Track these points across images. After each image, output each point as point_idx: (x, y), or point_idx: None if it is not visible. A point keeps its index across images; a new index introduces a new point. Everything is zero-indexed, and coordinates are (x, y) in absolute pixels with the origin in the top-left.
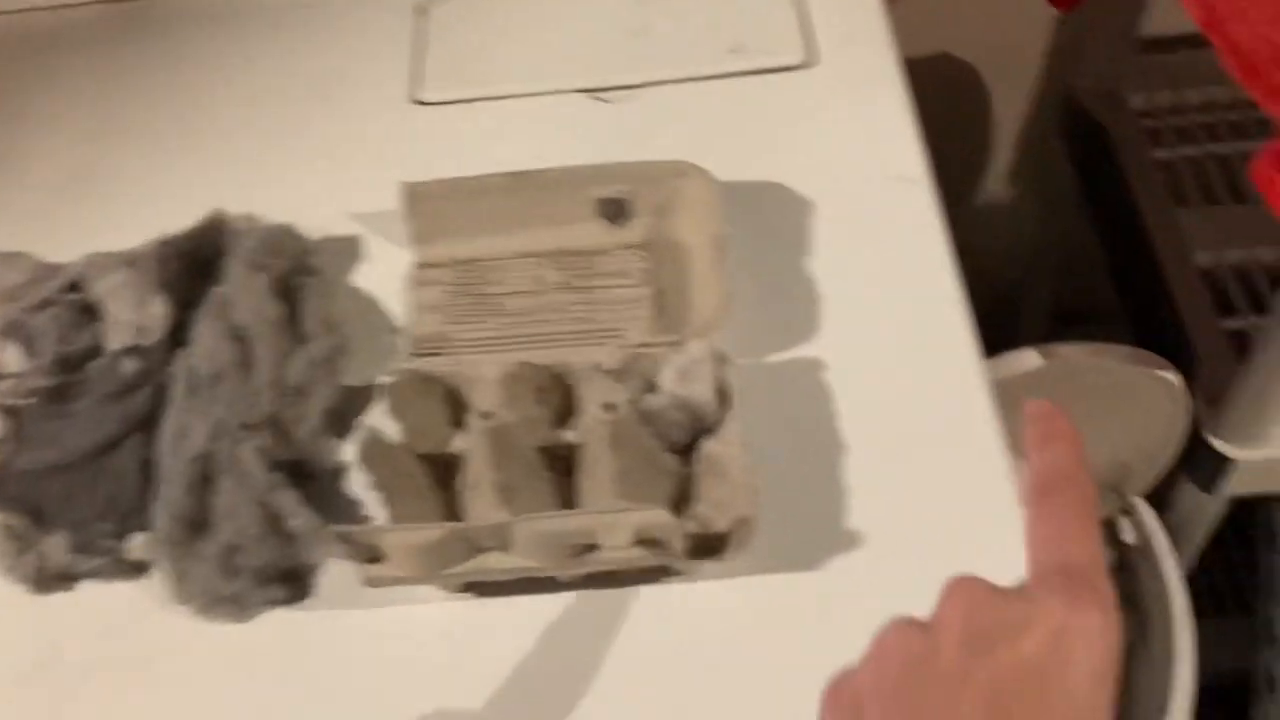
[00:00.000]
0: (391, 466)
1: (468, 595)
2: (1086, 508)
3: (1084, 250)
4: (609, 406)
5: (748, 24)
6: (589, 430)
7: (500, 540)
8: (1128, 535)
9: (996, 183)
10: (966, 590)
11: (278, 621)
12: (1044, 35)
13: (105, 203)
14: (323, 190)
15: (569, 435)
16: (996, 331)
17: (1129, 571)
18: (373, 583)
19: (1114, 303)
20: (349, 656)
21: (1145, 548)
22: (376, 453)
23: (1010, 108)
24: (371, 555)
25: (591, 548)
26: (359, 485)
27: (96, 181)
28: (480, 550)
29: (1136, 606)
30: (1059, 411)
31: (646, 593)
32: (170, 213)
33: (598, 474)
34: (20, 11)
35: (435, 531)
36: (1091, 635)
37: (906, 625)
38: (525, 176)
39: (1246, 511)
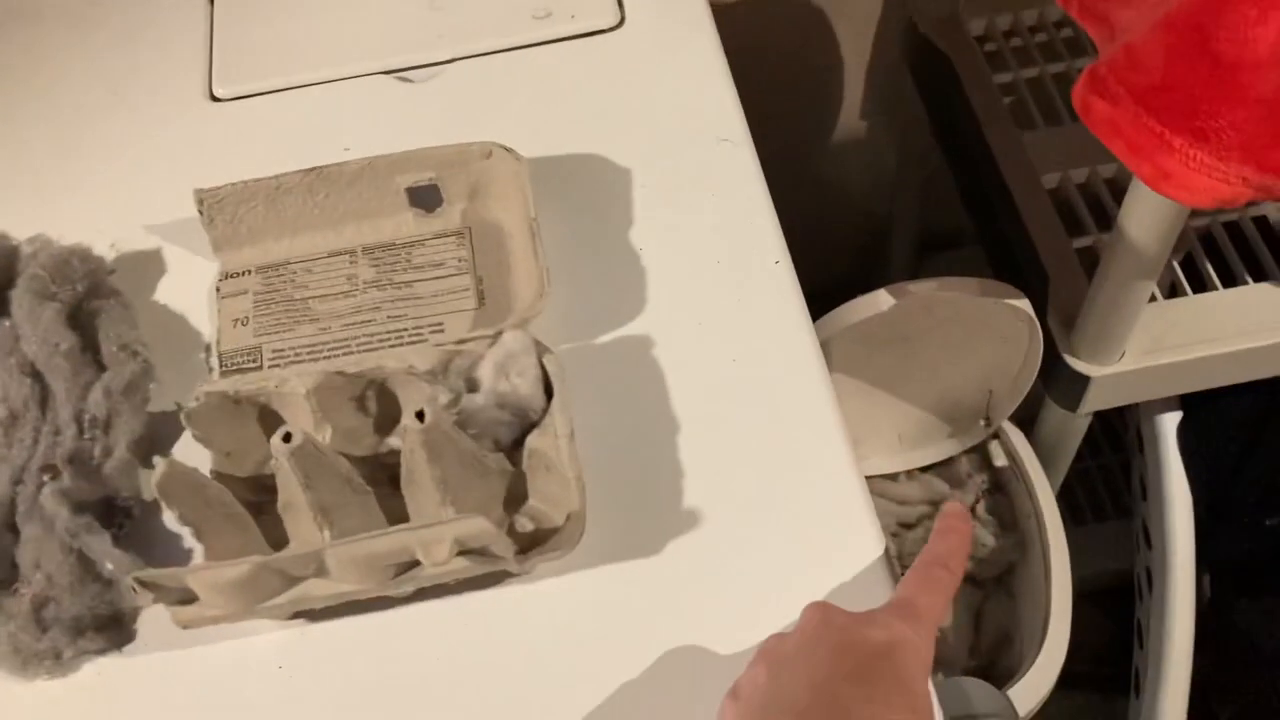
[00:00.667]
0: (200, 497)
1: (299, 621)
2: (947, 586)
3: (943, 178)
4: (419, 414)
5: None
6: (404, 440)
7: (315, 567)
8: (999, 459)
9: (852, 116)
10: (823, 604)
11: (99, 672)
12: None
13: None
14: (118, 202)
15: (394, 442)
16: (867, 263)
17: (1004, 493)
18: (186, 625)
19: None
20: (179, 700)
21: (1016, 468)
22: (174, 485)
23: (855, 40)
24: (182, 596)
25: (416, 563)
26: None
27: None
28: (298, 578)
29: (1014, 527)
30: (967, 514)
31: (485, 598)
32: None
33: (420, 483)
34: None
35: (243, 567)
36: (915, 646)
37: (778, 633)
38: (324, 172)
39: (1120, 419)
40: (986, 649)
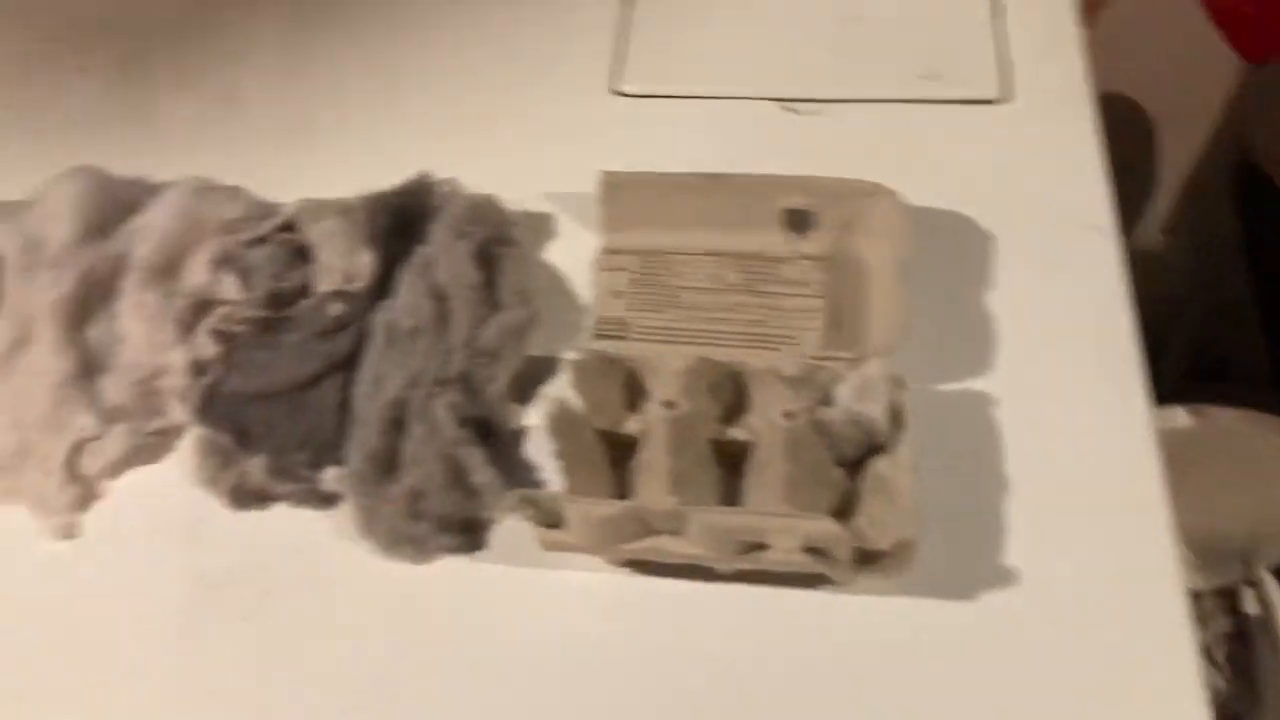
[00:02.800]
0: (576, 438)
1: (630, 570)
2: None
3: (1233, 306)
4: (790, 414)
5: (945, 52)
6: (763, 433)
7: (674, 525)
8: (1249, 606)
9: (1151, 230)
10: None
11: (452, 568)
12: (1225, 86)
13: (316, 152)
14: (520, 168)
15: (736, 433)
16: None
17: (1246, 642)
18: (550, 547)
19: (1254, 362)
20: (513, 611)
21: (1267, 621)
22: (564, 423)
23: (1178, 156)
24: (551, 521)
25: (758, 546)
26: (536, 450)
27: (311, 132)
28: (652, 532)
29: (1251, 679)
30: None
31: (802, 596)
32: (377, 169)
33: (766, 476)
34: None
35: (616, 507)
36: None
37: None
38: (720, 179)
39: None
40: None
